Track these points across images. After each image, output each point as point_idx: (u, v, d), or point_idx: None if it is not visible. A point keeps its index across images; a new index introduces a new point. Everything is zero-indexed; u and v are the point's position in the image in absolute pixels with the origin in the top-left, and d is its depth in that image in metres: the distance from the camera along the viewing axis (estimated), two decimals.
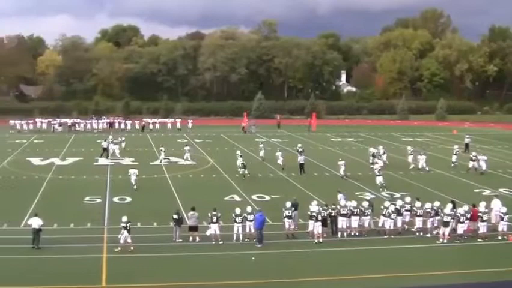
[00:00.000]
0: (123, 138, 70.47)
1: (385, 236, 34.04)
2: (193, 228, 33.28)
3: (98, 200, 43.01)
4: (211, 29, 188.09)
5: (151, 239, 33.17)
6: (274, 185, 49.32)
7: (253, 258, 30.20)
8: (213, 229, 32.59)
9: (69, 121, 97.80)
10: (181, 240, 32.78)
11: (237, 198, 44.03)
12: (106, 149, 63.96)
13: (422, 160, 57.70)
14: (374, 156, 58.88)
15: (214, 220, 32.57)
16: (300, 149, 57.63)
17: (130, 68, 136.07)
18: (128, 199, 43.29)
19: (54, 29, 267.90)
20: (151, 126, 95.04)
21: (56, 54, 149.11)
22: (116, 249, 31.07)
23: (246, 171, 52.42)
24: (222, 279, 27.41)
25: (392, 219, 34.34)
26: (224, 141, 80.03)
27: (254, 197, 44.29)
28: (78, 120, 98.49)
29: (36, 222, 31.46)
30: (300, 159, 55.46)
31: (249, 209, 34.20)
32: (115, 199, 43.32)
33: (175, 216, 33.10)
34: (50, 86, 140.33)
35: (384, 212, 34.42)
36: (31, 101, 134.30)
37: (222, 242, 32.45)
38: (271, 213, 36.33)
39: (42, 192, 46.02)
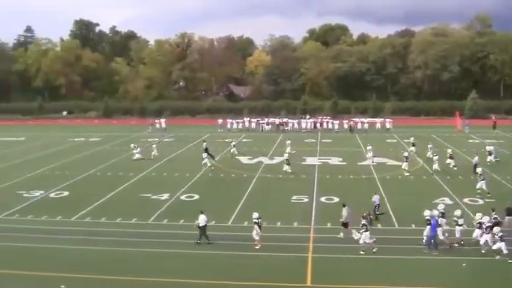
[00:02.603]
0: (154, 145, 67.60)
1: None
2: (344, 225, 32.93)
3: (305, 200, 42.45)
4: (420, 26, 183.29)
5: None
6: (489, 188, 45.97)
7: (464, 264, 28.63)
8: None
9: (277, 120, 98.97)
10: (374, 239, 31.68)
11: (448, 201, 41.57)
12: (207, 151, 61.81)
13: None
14: (490, 153, 57.24)
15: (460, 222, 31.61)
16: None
17: (338, 67, 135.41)
18: (336, 199, 42.31)
19: (263, 29, 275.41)
20: (359, 126, 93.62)
21: (264, 54, 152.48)
22: (256, 247, 31.34)
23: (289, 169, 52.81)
24: (429, 283, 26.24)
25: None
26: (434, 141, 76.72)
27: (466, 200, 41.87)
28: (286, 120, 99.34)
29: (202, 219, 32.38)
30: (475, 160, 53.46)
31: (457, 212, 32.38)
32: (322, 199, 42.63)
33: (371, 217, 32.59)
34: (259, 86, 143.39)
35: None
36: (240, 100, 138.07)
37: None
38: None
39: (250, 190, 46.33)
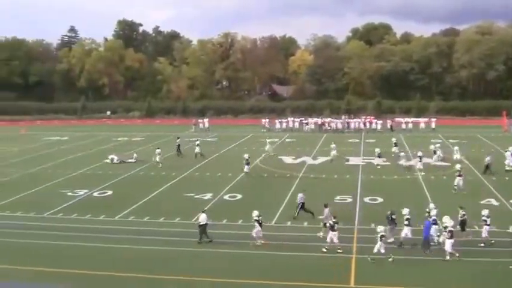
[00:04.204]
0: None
1: None
2: (325, 224, 32.60)
3: (349, 200, 42.01)
4: (465, 24, 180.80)
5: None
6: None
7: (510, 267, 27.62)
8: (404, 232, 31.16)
9: (320, 120, 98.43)
10: (392, 240, 31.33)
11: (494, 202, 40.94)
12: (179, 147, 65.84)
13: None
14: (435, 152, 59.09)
15: (406, 223, 31.26)
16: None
17: (382, 66, 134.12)
18: (380, 199, 41.82)
19: (306, 28, 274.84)
20: (403, 126, 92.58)
21: (307, 53, 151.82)
22: (257, 244, 31.59)
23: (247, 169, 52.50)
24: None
25: None
26: (480, 142, 75.58)
27: None
28: (329, 119, 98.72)
29: (203, 218, 32.58)
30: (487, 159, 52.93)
31: (485, 211, 31.61)
32: (366, 199, 42.12)
33: (393, 217, 31.94)
34: (302, 85, 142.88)
35: None
36: (283, 100, 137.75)
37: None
38: None
39: (293, 190, 45.96)
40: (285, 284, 26.06)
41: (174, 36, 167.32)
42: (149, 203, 42.80)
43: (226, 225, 35.51)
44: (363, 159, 61.62)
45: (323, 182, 50.02)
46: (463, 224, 31.71)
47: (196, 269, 28.09)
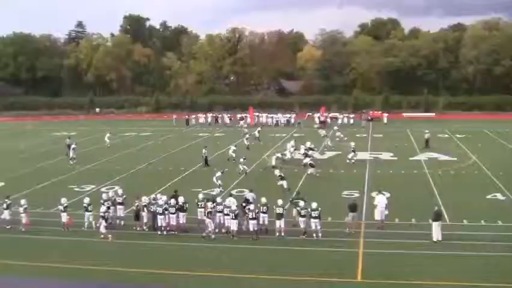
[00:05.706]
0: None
1: None
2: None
3: (356, 195, 42.08)
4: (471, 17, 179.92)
5: (408, 235, 31.90)
6: None
7: None
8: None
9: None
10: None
11: (500, 197, 41.19)
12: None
13: None
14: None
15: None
16: None
17: (390, 61, 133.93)
18: (387, 194, 41.75)
19: (314, 23, 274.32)
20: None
21: (315, 49, 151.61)
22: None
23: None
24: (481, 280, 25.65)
25: None
26: (487, 137, 75.63)
27: None
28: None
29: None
30: None
31: None
32: (373, 194, 41.97)
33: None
34: (310, 81, 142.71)
35: None
36: (291, 95, 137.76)
37: None
38: None
39: (300, 185, 45.93)
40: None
41: (181, 31, 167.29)
42: None
43: None
44: (370, 153, 61.78)
45: (330, 176, 50.38)
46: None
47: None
